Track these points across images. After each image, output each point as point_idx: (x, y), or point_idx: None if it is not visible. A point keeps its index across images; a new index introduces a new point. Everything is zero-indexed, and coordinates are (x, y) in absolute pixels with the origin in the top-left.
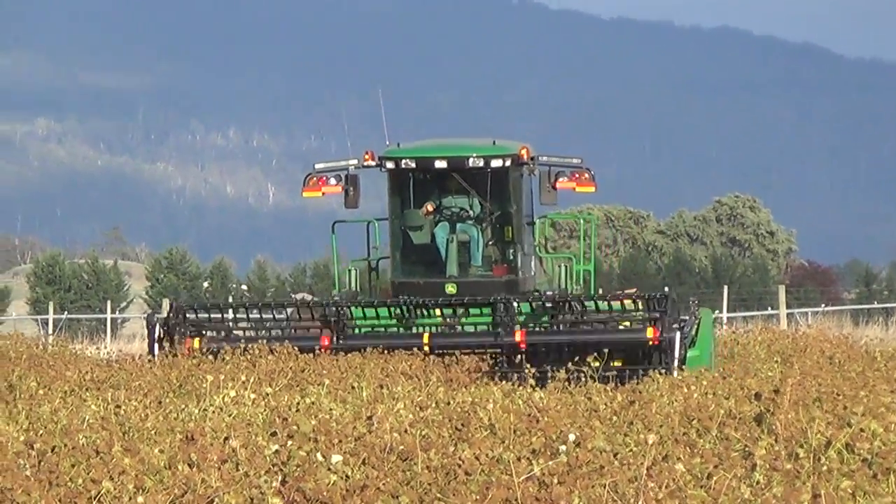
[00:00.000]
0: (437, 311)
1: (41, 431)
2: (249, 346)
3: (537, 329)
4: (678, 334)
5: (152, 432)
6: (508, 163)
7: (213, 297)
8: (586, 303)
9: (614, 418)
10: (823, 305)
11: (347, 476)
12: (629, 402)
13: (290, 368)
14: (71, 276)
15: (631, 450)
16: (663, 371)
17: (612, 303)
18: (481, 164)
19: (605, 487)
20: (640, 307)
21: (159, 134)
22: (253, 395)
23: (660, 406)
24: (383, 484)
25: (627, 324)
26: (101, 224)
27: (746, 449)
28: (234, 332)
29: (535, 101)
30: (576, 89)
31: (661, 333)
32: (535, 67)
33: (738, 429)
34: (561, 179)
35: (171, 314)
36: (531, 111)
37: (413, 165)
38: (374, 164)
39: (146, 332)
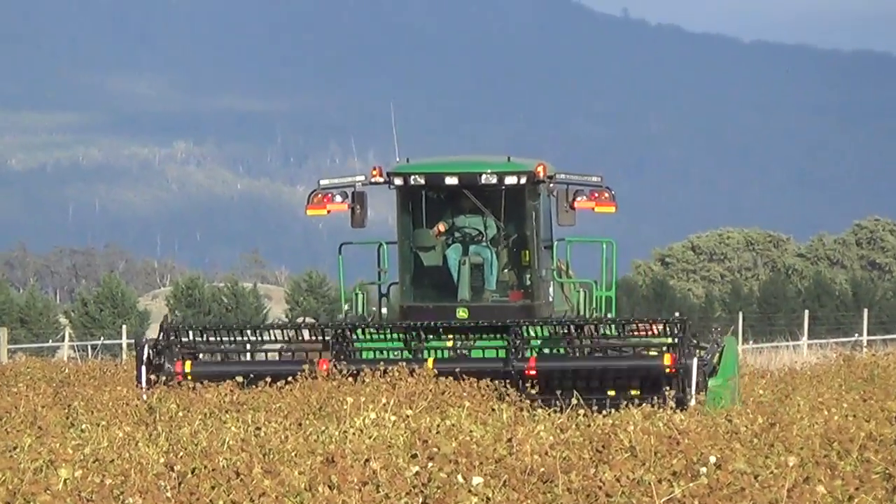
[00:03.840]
0: (448, 337)
1: (181, 453)
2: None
3: (550, 355)
4: (695, 361)
5: (292, 454)
6: (524, 180)
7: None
8: (601, 328)
9: (755, 440)
10: None
11: (488, 498)
12: (770, 424)
13: (430, 391)
14: (210, 298)
15: (771, 472)
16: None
17: (629, 329)
18: (494, 181)
19: None
20: (658, 333)
21: (298, 157)
22: (393, 418)
23: (800, 428)
24: None
25: (651, 351)
26: (240, 247)
27: (887, 471)
28: (230, 354)
29: (677, 128)
30: (716, 113)
31: (677, 360)
32: (675, 92)
33: (878, 451)
34: (579, 199)
35: (162, 335)
36: (673, 138)
37: (422, 182)
38: (381, 180)
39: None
